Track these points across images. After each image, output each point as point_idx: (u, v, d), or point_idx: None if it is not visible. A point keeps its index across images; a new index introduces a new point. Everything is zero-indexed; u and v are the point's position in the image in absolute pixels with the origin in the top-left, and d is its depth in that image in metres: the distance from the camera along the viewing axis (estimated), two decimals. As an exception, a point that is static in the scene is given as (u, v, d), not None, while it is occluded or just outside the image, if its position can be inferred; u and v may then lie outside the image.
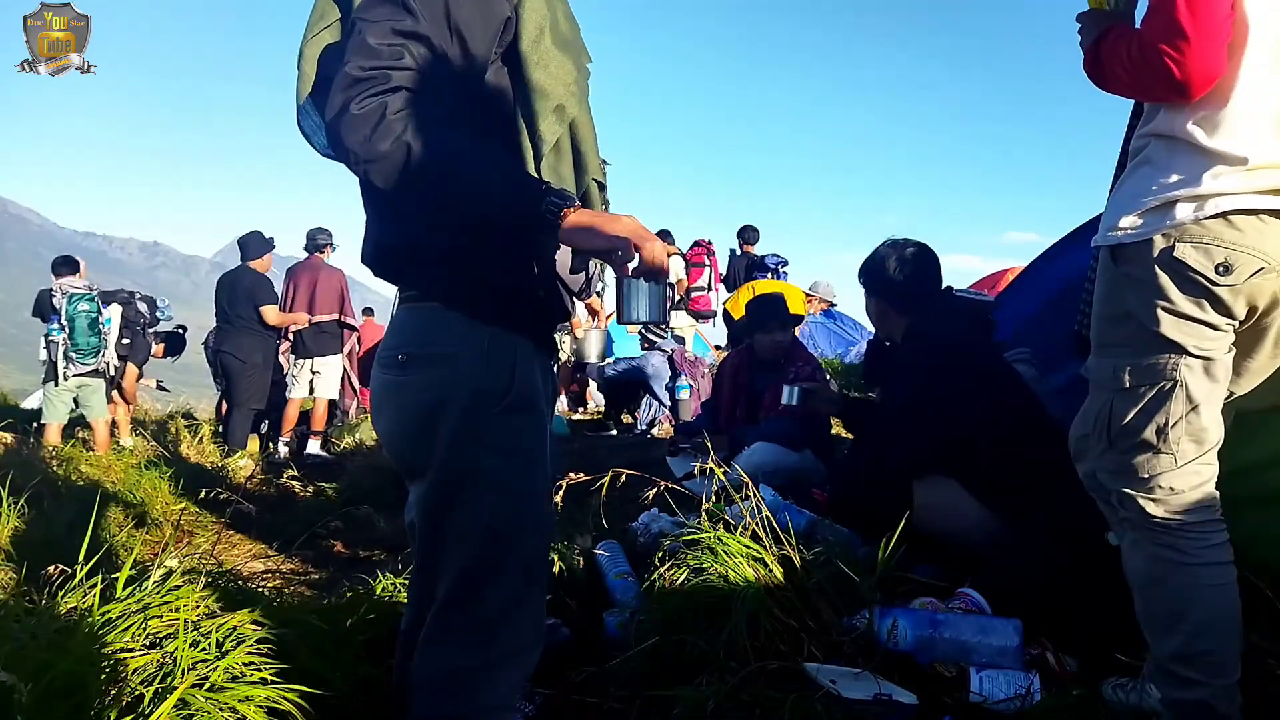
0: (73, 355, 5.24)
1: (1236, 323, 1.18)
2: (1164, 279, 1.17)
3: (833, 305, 8.07)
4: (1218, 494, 1.22)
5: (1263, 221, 1.12)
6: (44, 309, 5.35)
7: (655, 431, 5.52)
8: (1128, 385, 1.22)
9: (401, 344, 1.09)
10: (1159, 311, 1.18)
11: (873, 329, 2.38)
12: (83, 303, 5.27)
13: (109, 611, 1.20)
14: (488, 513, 1.07)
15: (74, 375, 5.27)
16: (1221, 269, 1.13)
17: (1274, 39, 1.13)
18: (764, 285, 7.03)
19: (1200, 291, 1.15)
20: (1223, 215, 1.12)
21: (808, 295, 7.71)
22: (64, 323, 5.22)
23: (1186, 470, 1.20)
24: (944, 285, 2.26)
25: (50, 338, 5.27)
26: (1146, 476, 1.22)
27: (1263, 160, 1.12)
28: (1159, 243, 1.16)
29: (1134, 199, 1.21)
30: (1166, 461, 1.20)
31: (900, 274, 2.17)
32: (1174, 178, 1.16)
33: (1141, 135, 1.25)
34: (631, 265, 1.04)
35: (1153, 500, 1.22)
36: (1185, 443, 1.19)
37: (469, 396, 1.06)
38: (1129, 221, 1.20)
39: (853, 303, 8.26)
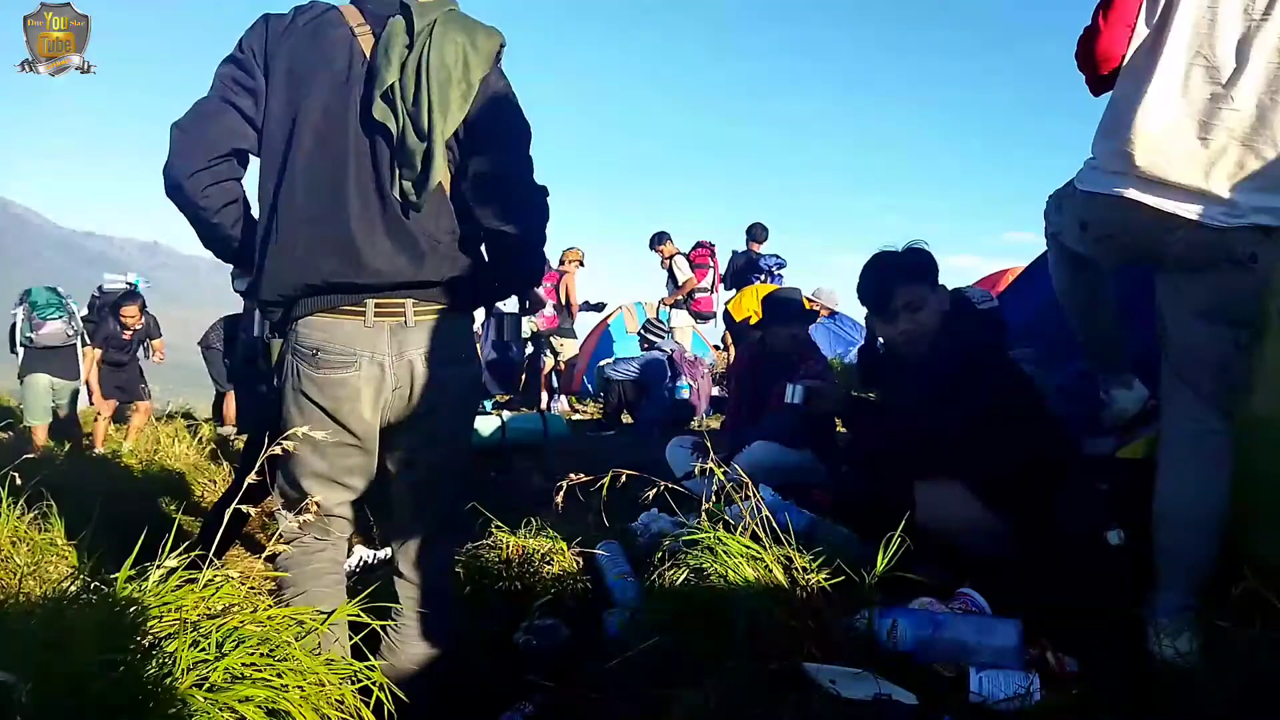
0: (33, 315, 5.48)
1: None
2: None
3: (834, 312, 8.01)
4: None
5: (1118, 199, 1.56)
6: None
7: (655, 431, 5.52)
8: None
9: (463, 344, 1.59)
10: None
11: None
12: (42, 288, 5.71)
13: (110, 612, 1.20)
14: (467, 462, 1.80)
15: (39, 340, 5.48)
16: (1082, 226, 1.71)
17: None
18: (765, 290, 7.02)
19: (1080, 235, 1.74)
20: (1087, 194, 1.64)
21: (809, 301, 7.68)
22: (24, 299, 5.60)
23: None
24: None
25: (14, 314, 5.55)
26: None
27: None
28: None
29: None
30: None
31: (921, 255, 2.17)
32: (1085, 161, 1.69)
33: None
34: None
35: None
36: None
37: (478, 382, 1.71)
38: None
39: (853, 303, 8.18)
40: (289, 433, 1.37)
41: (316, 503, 1.45)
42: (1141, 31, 1.53)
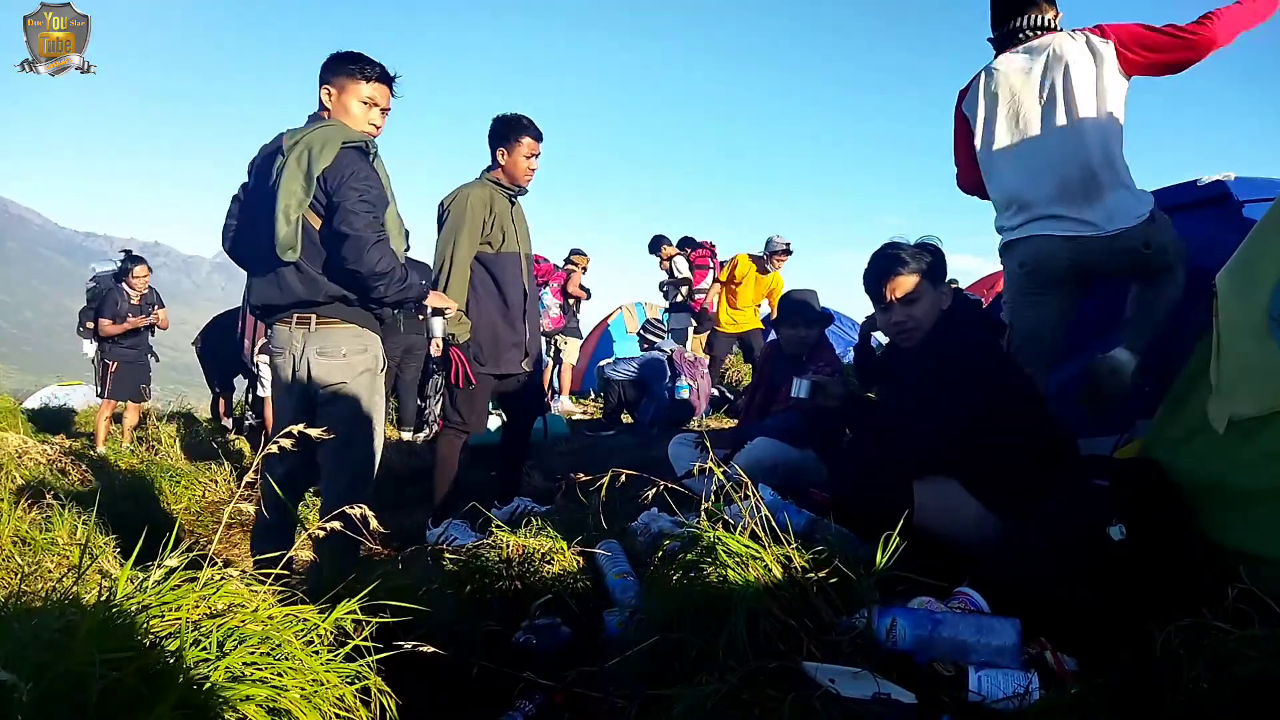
0: None
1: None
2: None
3: (789, 251, 7.23)
4: None
5: (1032, 237, 2.40)
6: None
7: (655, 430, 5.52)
8: None
9: (346, 345, 2.51)
10: None
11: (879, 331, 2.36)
12: None
13: (110, 611, 1.20)
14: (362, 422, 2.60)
15: None
16: (1020, 265, 2.46)
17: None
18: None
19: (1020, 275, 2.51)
20: (1011, 242, 2.48)
21: (765, 257, 7.09)
22: None
23: None
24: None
25: None
26: None
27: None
28: None
29: None
30: None
31: (929, 250, 2.17)
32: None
33: None
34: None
35: None
36: None
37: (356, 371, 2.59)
38: None
39: (853, 303, 8.04)
40: (288, 429, 1.58)
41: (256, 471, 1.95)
42: (977, 149, 2.55)
